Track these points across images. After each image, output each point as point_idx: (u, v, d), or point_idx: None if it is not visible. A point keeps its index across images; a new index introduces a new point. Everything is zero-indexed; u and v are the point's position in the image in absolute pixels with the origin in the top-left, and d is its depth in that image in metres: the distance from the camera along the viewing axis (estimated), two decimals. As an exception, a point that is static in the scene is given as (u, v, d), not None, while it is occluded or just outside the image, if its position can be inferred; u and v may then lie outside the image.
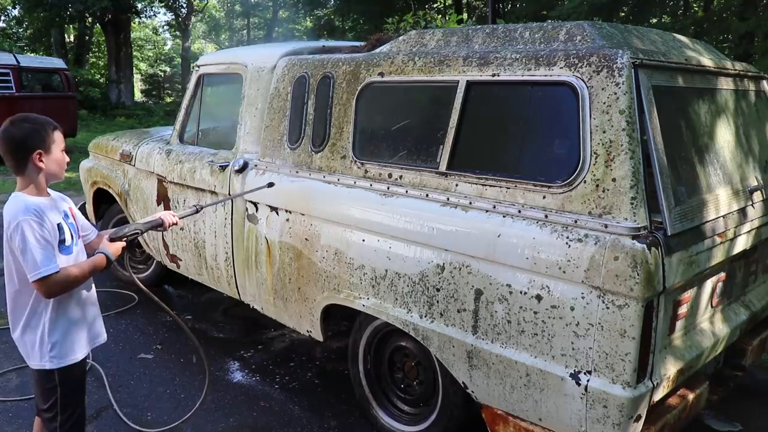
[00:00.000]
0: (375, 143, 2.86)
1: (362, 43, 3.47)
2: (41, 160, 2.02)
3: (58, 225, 2.05)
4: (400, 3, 17.73)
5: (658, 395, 2.14)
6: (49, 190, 2.14)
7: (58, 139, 2.07)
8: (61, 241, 2.05)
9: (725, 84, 2.71)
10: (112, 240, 2.17)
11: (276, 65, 3.32)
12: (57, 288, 1.98)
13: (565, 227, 2.13)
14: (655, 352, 2.08)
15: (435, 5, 21.93)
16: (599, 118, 2.08)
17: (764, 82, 3.08)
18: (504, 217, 2.28)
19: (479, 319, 2.35)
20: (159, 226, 2.35)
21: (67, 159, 2.14)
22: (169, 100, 31.35)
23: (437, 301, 2.48)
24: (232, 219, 3.45)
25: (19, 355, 2.20)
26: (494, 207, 2.32)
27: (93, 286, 2.26)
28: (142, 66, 36.07)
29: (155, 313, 4.47)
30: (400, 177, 2.66)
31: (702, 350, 2.36)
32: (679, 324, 2.26)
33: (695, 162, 2.37)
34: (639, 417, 2.07)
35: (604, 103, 2.08)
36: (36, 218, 1.96)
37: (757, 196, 2.66)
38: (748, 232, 2.53)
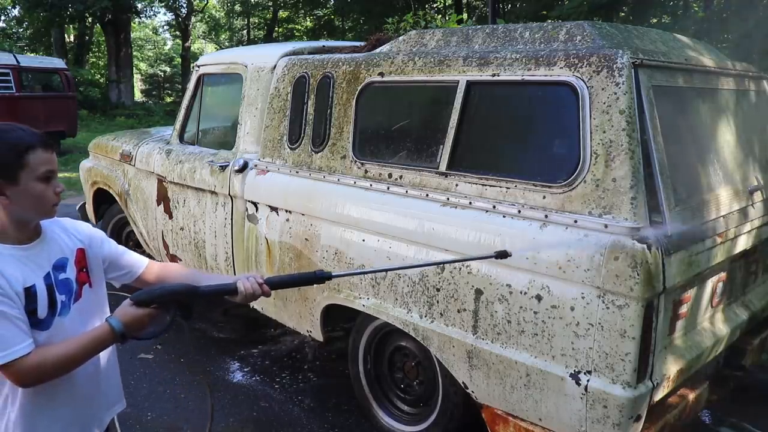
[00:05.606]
0: (375, 143, 2.86)
1: (362, 43, 3.47)
2: (2, 194, 1.44)
3: (29, 288, 1.46)
4: (400, 3, 17.72)
5: (658, 395, 2.14)
6: (45, 225, 1.57)
7: (35, 163, 1.45)
8: (30, 312, 1.46)
9: (725, 84, 2.70)
10: (135, 303, 1.51)
11: (276, 65, 3.32)
12: (31, 377, 1.43)
13: (565, 227, 2.13)
14: (655, 352, 2.07)
15: (435, 5, 21.92)
16: (599, 118, 2.08)
17: (764, 82, 3.08)
18: (504, 217, 2.28)
19: (479, 319, 2.35)
20: (231, 292, 1.60)
21: (59, 188, 1.51)
22: (169, 100, 31.35)
23: (437, 301, 2.48)
24: (232, 219, 3.45)
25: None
26: (494, 207, 2.32)
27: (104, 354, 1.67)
28: (142, 66, 36.09)
29: (155, 313, 4.46)
30: (400, 177, 2.66)
31: (702, 350, 2.35)
32: (680, 324, 2.26)
33: (695, 162, 2.37)
34: (639, 417, 2.07)
35: (604, 103, 2.08)
36: None
37: (757, 196, 2.66)
38: (749, 232, 2.53)
